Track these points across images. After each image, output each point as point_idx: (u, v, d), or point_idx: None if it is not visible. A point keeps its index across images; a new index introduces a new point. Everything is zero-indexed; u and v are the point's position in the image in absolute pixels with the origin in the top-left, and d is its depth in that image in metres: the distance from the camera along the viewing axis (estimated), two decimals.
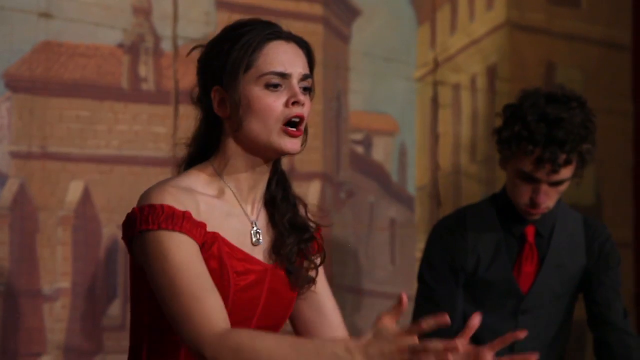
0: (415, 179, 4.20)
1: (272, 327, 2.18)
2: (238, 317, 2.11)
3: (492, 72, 4.41)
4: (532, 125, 2.88)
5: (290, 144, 2.13)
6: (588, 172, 4.67)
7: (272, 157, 2.17)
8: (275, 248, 2.19)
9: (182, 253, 2.05)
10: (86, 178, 3.34)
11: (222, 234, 2.12)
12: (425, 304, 3.04)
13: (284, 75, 2.13)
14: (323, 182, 3.90)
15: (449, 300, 2.99)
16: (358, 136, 4.06)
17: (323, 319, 2.27)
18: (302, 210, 2.26)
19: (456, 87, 4.32)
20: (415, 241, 4.15)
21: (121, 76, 3.42)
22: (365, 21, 4.06)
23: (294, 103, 2.13)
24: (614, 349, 3.04)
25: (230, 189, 2.17)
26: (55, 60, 3.31)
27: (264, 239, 2.20)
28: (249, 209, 2.19)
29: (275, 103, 2.12)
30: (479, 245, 3.00)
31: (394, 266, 4.09)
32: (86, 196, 3.34)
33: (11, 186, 3.23)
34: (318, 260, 2.26)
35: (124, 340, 3.34)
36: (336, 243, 3.90)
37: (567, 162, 2.89)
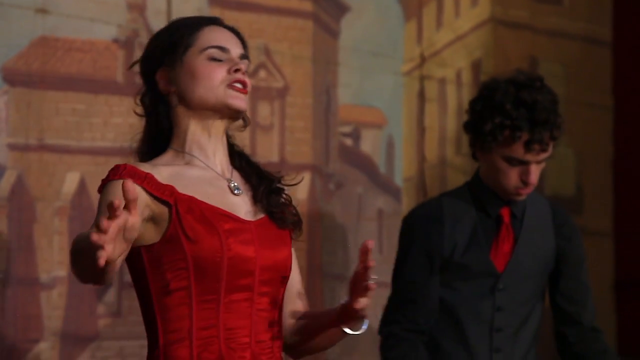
0: (402, 171, 4.20)
1: (275, 279, 2.17)
2: (236, 272, 2.10)
3: (477, 67, 4.41)
4: (512, 113, 2.93)
5: (238, 99, 2.17)
6: (569, 164, 4.68)
7: (223, 116, 2.18)
8: (255, 198, 2.20)
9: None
10: (82, 170, 3.33)
11: (199, 195, 2.12)
12: (402, 295, 3.07)
13: (224, 49, 2.18)
14: (313, 173, 3.90)
15: (425, 290, 3.03)
16: (347, 129, 4.06)
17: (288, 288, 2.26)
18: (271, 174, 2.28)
19: (442, 82, 4.32)
20: None
21: (116, 70, 3.42)
22: (354, 17, 4.06)
23: (236, 70, 2.17)
24: (590, 350, 3.10)
25: (197, 157, 2.18)
26: (51, 55, 3.30)
27: (245, 191, 2.20)
28: (219, 170, 2.20)
29: (218, 69, 2.17)
30: (456, 231, 3.03)
31: (382, 255, 4.09)
32: (82, 187, 3.33)
33: (9, 177, 3.23)
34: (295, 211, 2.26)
35: (120, 327, 3.35)
36: (325, 233, 3.89)
37: (552, 139, 2.94)
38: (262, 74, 3.80)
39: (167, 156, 2.19)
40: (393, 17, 4.18)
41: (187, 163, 2.18)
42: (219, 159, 2.20)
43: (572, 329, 3.12)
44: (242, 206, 2.18)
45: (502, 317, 3.05)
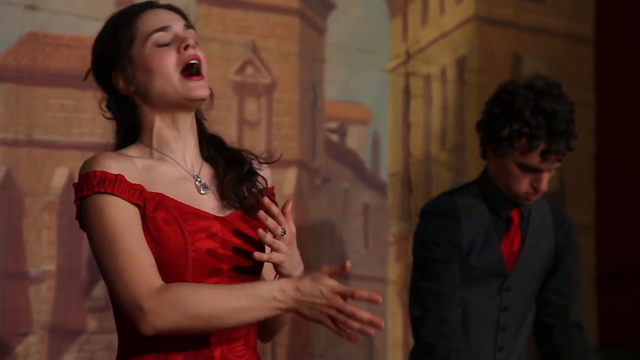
0: (387, 166, 4.19)
1: (247, 279, 2.11)
2: (205, 271, 2.05)
3: (461, 64, 4.41)
4: (531, 121, 2.89)
5: (197, 88, 2.09)
6: None
7: (187, 108, 2.12)
8: (222, 194, 2.13)
9: (116, 213, 2.00)
10: (71, 165, 3.31)
11: (167, 193, 2.07)
12: (431, 283, 2.99)
13: (166, 29, 2.11)
14: (299, 169, 3.88)
15: (453, 279, 2.98)
16: (333, 125, 4.05)
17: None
18: (246, 154, 2.21)
19: (427, 78, 4.31)
20: (387, 225, 4.14)
21: None
22: (340, 14, 4.04)
23: (185, 47, 2.09)
24: (572, 347, 3.10)
25: (165, 154, 2.13)
26: (40, 51, 3.28)
27: (213, 188, 2.13)
28: (188, 166, 2.14)
29: (167, 55, 2.09)
30: (472, 230, 3.00)
31: (368, 249, 4.09)
32: (71, 182, 3.31)
33: None
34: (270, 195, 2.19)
35: (107, 321, 3.33)
36: (312, 227, 3.88)
37: (568, 149, 2.92)
38: (250, 70, 3.79)
39: (136, 150, 2.14)
40: (379, 15, 4.17)
41: (156, 158, 2.12)
42: (188, 153, 2.14)
43: (557, 321, 3.11)
44: (209, 203, 2.12)
45: (507, 317, 3.04)
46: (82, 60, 3.36)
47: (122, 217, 2.00)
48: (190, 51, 2.09)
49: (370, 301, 1.97)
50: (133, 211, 2.02)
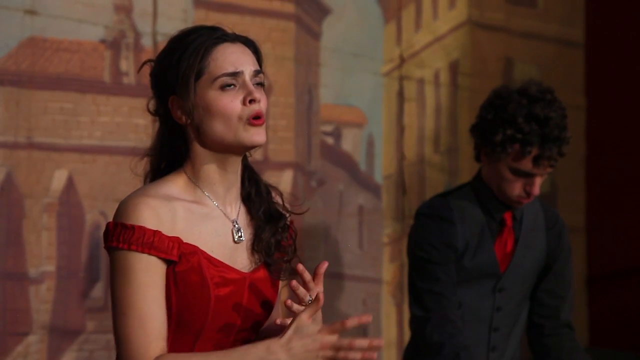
0: (382, 169, 4.19)
1: (254, 329, 2.12)
2: (220, 325, 2.06)
3: (454, 68, 4.41)
4: (524, 127, 2.89)
5: (257, 135, 2.07)
6: None
7: (241, 153, 2.11)
8: (254, 244, 2.13)
9: (145, 276, 2.00)
10: (70, 167, 3.31)
11: (202, 243, 2.06)
12: (431, 284, 2.99)
13: (235, 75, 2.06)
14: (295, 171, 3.89)
15: (452, 279, 2.98)
16: (328, 128, 4.05)
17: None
18: (278, 199, 2.20)
19: (421, 82, 4.31)
20: (381, 227, 4.14)
21: (103, 70, 3.40)
22: (335, 19, 4.05)
23: (251, 101, 2.06)
24: (562, 346, 3.10)
25: (207, 194, 2.10)
26: (40, 55, 3.28)
27: (246, 235, 2.13)
28: (228, 209, 2.12)
29: (233, 103, 2.06)
30: (466, 232, 3.00)
31: (362, 250, 4.09)
32: (70, 184, 3.31)
33: None
34: (293, 244, 2.20)
35: (106, 321, 3.33)
36: (307, 229, 3.89)
37: (560, 155, 2.92)
38: None
39: (180, 182, 2.10)
40: (373, 19, 4.17)
41: (196, 200, 2.09)
42: (230, 195, 2.12)
43: (548, 321, 3.12)
44: (239, 255, 2.12)
45: (500, 317, 3.04)
46: (81, 64, 3.36)
47: (149, 281, 2.01)
48: (255, 107, 2.07)
49: (362, 324, 1.97)
50: (162, 270, 2.03)
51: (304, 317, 1.97)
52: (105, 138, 3.37)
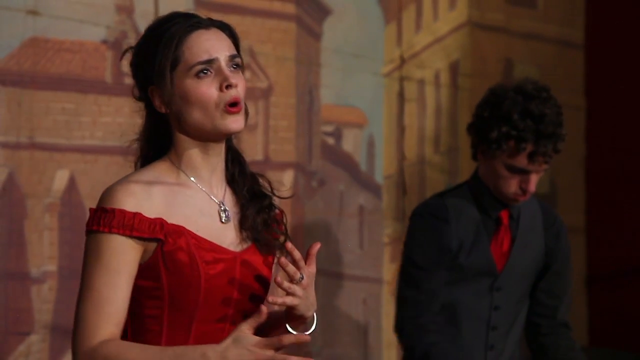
0: (382, 169, 4.19)
1: (252, 309, 2.10)
2: (214, 305, 2.06)
3: (454, 68, 4.41)
4: (519, 124, 2.90)
5: (234, 123, 2.06)
6: None
7: (221, 139, 2.11)
8: (242, 223, 2.12)
9: (114, 261, 2.01)
10: (72, 167, 3.31)
11: (187, 224, 2.06)
12: (411, 290, 3.02)
13: (210, 62, 2.05)
14: (296, 171, 3.89)
15: (434, 286, 3.00)
16: (329, 128, 4.05)
17: None
18: (264, 183, 2.19)
19: (421, 83, 4.32)
20: (382, 227, 4.15)
21: (105, 71, 3.40)
22: (336, 20, 4.05)
23: (227, 87, 2.05)
24: (559, 345, 3.11)
25: (192, 178, 2.11)
26: (42, 55, 3.28)
27: (234, 216, 2.13)
28: (214, 191, 2.12)
29: (209, 90, 2.05)
30: (461, 231, 3.01)
31: (362, 250, 4.09)
32: (72, 184, 3.31)
33: (0, 175, 3.21)
34: (283, 227, 2.18)
35: None
36: (308, 229, 3.89)
37: (555, 151, 2.93)
38: (247, 74, 3.79)
39: (164, 168, 2.11)
40: (374, 20, 4.17)
41: (180, 183, 2.10)
42: (215, 177, 2.13)
43: (545, 320, 3.12)
44: (228, 235, 2.11)
45: (498, 316, 3.04)
46: (82, 64, 3.36)
47: (117, 266, 2.01)
48: (232, 92, 2.06)
49: (299, 343, 1.99)
50: (138, 253, 2.03)
51: (244, 328, 1.98)
52: (107, 138, 3.37)
